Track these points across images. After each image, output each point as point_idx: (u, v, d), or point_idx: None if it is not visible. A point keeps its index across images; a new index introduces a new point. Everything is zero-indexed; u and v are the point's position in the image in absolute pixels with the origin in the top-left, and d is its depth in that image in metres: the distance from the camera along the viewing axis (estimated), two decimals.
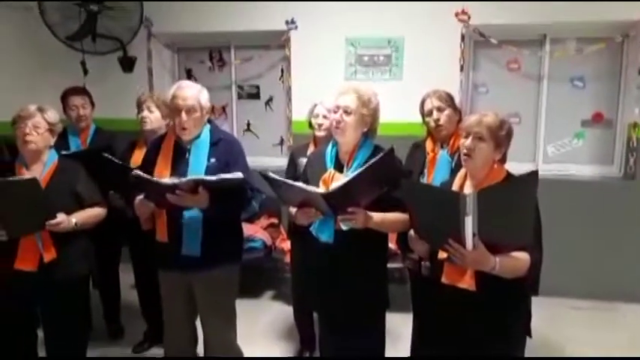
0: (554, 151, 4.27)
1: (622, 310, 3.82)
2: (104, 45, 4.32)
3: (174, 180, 2.18)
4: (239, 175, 2.17)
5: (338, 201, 1.94)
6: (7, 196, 2.17)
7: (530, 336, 1.97)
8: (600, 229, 3.94)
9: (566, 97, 4.16)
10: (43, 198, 2.24)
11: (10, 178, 2.27)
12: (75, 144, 3.25)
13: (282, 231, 4.20)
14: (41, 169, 2.37)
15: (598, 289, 3.93)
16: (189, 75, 4.81)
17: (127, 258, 3.47)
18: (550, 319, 3.20)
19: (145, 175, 2.20)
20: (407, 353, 2.86)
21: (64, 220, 2.28)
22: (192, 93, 2.29)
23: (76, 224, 2.34)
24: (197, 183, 2.16)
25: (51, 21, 4.15)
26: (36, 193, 2.21)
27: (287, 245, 3.97)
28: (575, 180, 4.07)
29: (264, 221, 4.17)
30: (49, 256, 2.30)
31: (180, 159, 2.34)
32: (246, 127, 4.77)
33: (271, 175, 2.05)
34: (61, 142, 3.12)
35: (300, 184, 2.05)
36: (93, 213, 2.47)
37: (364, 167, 1.92)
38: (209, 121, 2.43)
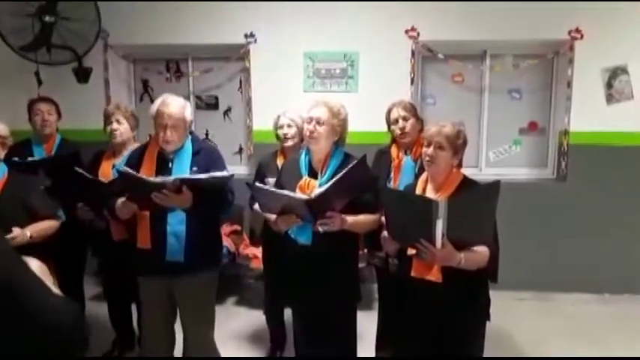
0: (495, 157, 4.63)
1: (559, 299, 4.20)
2: (59, 56, 4.27)
3: (163, 179, 2.26)
4: (225, 172, 2.30)
5: (318, 206, 2.11)
6: None
7: (490, 319, 2.20)
8: (536, 225, 4.31)
9: (505, 107, 4.52)
10: None
11: None
12: (39, 154, 3.22)
13: (245, 237, 4.30)
14: None
15: (537, 280, 4.29)
16: (146, 86, 4.84)
17: (87, 269, 3.48)
18: (497, 310, 3.50)
19: (134, 173, 2.27)
20: (371, 346, 3.07)
21: (18, 234, 2.29)
22: (177, 109, 2.37)
23: (30, 237, 2.34)
24: (183, 182, 2.25)
25: (4, 31, 4.06)
26: None
27: (251, 251, 4.10)
28: (513, 182, 4.36)
29: (226, 228, 4.24)
30: None
31: (163, 168, 2.42)
32: (205, 137, 4.83)
33: (257, 184, 2.20)
34: (26, 153, 3.12)
35: (285, 191, 2.20)
36: (46, 225, 2.49)
37: (343, 173, 2.10)
38: (190, 132, 2.53)
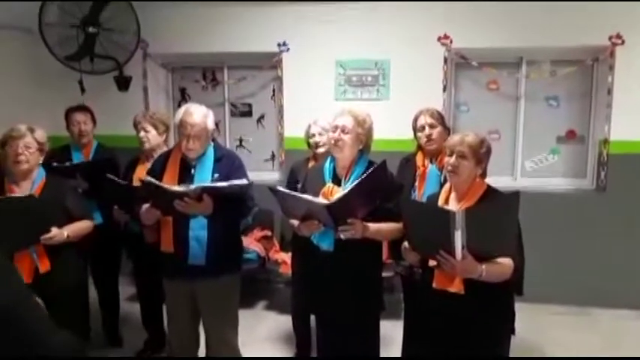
0: (532, 166, 4.50)
1: (596, 315, 4.04)
2: (101, 65, 4.46)
3: (184, 188, 2.33)
4: (244, 181, 2.36)
5: (339, 212, 2.12)
6: (4, 213, 2.24)
7: (515, 334, 2.15)
8: (575, 238, 4.16)
9: (542, 115, 4.40)
10: (40, 213, 2.34)
11: (10, 196, 2.37)
12: (78, 159, 3.37)
13: (276, 242, 4.35)
14: (30, 186, 2.47)
15: (574, 295, 4.14)
16: (183, 94, 4.98)
17: (122, 270, 3.59)
18: (529, 324, 3.40)
19: (157, 182, 2.35)
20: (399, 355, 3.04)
21: (57, 233, 2.39)
22: (200, 119, 2.45)
23: (67, 236, 2.45)
24: (204, 191, 2.31)
25: (51, 42, 4.27)
26: (33, 209, 2.31)
27: (280, 256, 4.14)
28: (551, 192, 4.28)
29: (257, 233, 4.31)
30: (44, 267, 2.39)
31: (185, 174, 2.50)
32: (238, 143, 4.93)
33: (280, 188, 2.23)
34: (65, 158, 3.28)
35: (307, 196, 2.23)
36: (83, 225, 2.59)
37: (362, 177, 2.11)
38: (212, 139, 2.60)
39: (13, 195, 2.39)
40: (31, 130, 2.49)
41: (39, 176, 2.53)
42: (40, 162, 2.55)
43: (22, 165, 2.42)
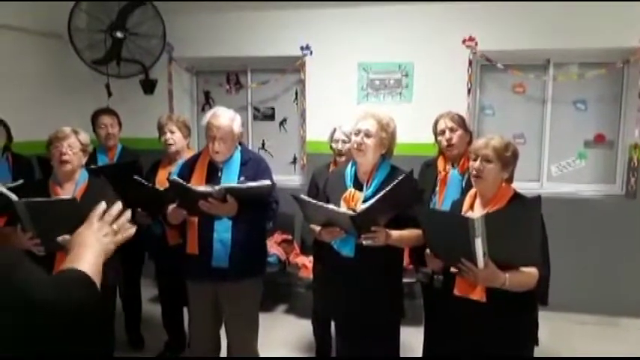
0: (558, 171, 4.40)
1: (624, 325, 3.92)
2: (128, 68, 4.54)
3: (209, 188, 2.36)
4: (267, 182, 2.36)
5: (363, 221, 2.10)
6: (48, 214, 2.29)
7: (538, 344, 2.10)
8: (603, 245, 4.05)
9: (569, 119, 4.30)
10: (81, 216, 2.40)
11: (52, 199, 2.41)
12: (103, 162, 3.42)
13: (296, 246, 4.35)
14: (73, 188, 2.52)
15: (602, 304, 4.03)
16: (207, 97, 5.03)
17: (146, 272, 3.64)
18: (555, 333, 3.33)
19: (182, 182, 2.39)
20: None
21: None
22: (226, 122, 2.47)
23: None
24: (228, 191, 2.34)
25: (79, 47, 4.37)
26: (75, 212, 2.35)
27: (301, 260, 4.13)
28: (578, 198, 4.18)
29: (277, 237, 4.31)
30: None
31: (213, 176, 2.53)
32: (261, 146, 4.95)
33: (302, 196, 2.23)
34: (90, 160, 3.32)
35: (331, 206, 2.21)
36: None
37: (388, 189, 2.08)
38: (239, 142, 2.62)
39: (56, 198, 2.44)
40: (75, 132, 2.55)
41: (82, 178, 2.58)
42: (83, 164, 2.60)
43: (65, 165, 2.48)
